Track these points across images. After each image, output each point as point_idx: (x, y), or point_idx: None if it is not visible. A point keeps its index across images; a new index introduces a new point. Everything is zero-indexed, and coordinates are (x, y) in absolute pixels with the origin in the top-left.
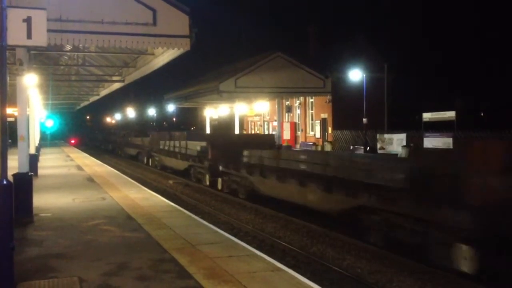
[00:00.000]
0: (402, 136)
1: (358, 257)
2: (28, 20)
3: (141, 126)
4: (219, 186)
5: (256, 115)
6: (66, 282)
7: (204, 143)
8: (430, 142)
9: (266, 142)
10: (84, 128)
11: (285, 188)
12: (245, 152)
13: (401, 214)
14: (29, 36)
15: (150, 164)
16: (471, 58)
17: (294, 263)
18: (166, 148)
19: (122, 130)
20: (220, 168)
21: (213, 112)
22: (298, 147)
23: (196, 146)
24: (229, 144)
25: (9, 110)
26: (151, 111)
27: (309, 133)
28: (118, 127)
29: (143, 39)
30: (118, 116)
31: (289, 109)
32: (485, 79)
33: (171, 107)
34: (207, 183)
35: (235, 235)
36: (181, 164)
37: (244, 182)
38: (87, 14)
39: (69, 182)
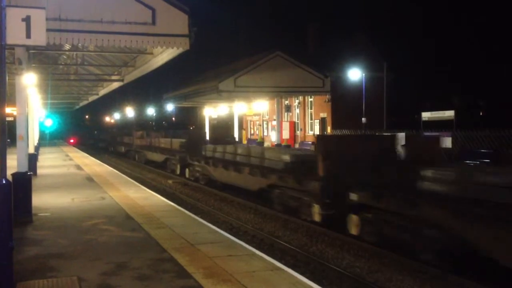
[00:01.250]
0: (401, 136)
1: (357, 256)
2: (27, 19)
3: (140, 126)
4: (353, 230)
5: (255, 115)
6: (65, 282)
7: (297, 152)
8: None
9: (426, 149)
10: (83, 128)
11: None
12: (433, 173)
13: None
14: (28, 35)
15: (187, 175)
16: (471, 56)
17: (294, 262)
18: (219, 156)
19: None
20: (353, 197)
21: (212, 112)
22: (297, 146)
23: (282, 155)
24: (360, 153)
25: (8, 110)
26: (150, 111)
27: (308, 133)
28: (120, 125)
29: (142, 38)
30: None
31: (288, 108)
32: (485, 77)
33: (170, 107)
34: (316, 218)
35: (234, 235)
36: (253, 182)
37: (435, 233)
38: (86, 14)
39: (68, 182)
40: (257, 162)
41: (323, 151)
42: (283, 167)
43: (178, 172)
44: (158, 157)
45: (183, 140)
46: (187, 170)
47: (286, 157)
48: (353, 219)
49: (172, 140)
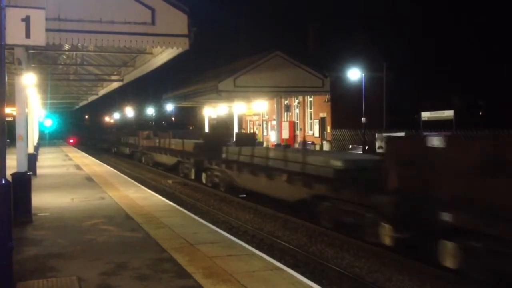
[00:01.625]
0: (401, 135)
1: (357, 256)
2: (26, 20)
3: (139, 126)
4: (448, 261)
5: (254, 114)
6: (65, 282)
7: (353, 156)
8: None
9: None
10: (83, 128)
11: None
12: None
13: None
14: (27, 35)
15: (203, 180)
16: (471, 56)
17: (293, 262)
18: (246, 159)
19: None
20: (447, 217)
21: (211, 112)
22: (296, 146)
23: (332, 160)
24: (456, 159)
25: (8, 110)
26: (150, 110)
27: (308, 132)
28: (120, 125)
29: (141, 38)
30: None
31: (288, 108)
32: (485, 77)
33: (169, 107)
34: (386, 240)
35: (234, 235)
36: (291, 192)
37: None
38: (85, 14)
39: (68, 182)
40: (297, 168)
41: (396, 156)
42: (335, 175)
43: (192, 176)
44: (168, 159)
45: (199, 141)
46: (203, 174)
47: (338, 163)
48: (448, 247)
49: (185, 141)
